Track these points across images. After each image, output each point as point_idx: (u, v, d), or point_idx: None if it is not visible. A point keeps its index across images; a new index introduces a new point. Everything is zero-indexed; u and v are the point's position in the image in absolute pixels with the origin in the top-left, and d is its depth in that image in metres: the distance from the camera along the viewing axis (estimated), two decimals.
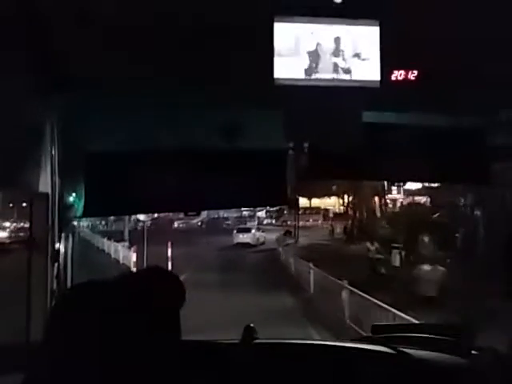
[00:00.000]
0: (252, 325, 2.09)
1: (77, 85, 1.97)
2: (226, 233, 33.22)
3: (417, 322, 6.26)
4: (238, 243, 27.32)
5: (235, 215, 43.27)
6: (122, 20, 1.86)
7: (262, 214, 42.79)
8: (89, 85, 1.98)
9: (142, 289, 1.12)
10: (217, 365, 1.84)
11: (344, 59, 2.09)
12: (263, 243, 27.59)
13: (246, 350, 1.98)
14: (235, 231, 29.47)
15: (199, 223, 43.46)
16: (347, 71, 2.10)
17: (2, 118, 1.69)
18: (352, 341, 2.18)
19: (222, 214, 42.44)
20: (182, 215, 43.67)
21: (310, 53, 2.07)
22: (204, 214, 40.10)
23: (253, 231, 29.12)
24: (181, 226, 42.58)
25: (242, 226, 31.19)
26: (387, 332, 2.23)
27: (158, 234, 26.88)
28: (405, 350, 2.01)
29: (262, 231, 30.33)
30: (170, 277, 1.40)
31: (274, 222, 41.65)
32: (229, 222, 42.94)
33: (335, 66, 2.10)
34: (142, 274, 1.34)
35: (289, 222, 37.33)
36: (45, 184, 2.01)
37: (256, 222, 41.18)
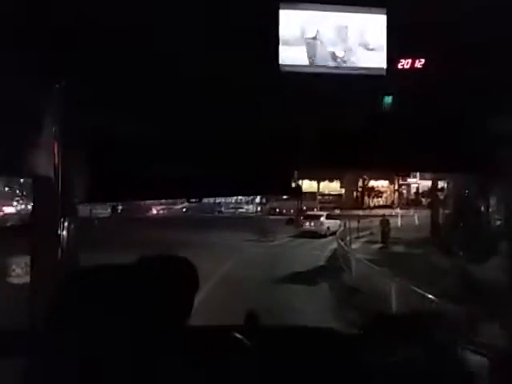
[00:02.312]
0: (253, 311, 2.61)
1: (80, 68, 2.41)
2: (221, 223, 30.87)
3: None
4: (305, 232, 28.04)
5: (228, 200, 43.30)
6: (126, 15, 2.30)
7: (258, 199, 43.19)
8: (93, 69, 2.42)
9: (157, 274, 1.44)
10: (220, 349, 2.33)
11: (350, 47, 2.53)
12: (334, 233, 26.71)
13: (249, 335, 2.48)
14: (301, 218, 30.24)
15: (184, 209, 43.39)
16: (353, 59, 2.55)
17: (5, 101, 2.15)
18: (355, 328, 2.70)
19: (213, 198, 42.15)
20: (162, 200, 43.42)
21: (315, 40, 2.52)
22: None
23: (322, 219, 29.70)
24: (161, 212, 42.31)
25: (309, 213, 31.46)
26: (391, 322, 2.76)
27: (123, 229, 23.82)
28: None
29: (333, 218, 30.60)
30: (185, 264, 1.83)
31: (259, 209, 41.97)
32: (221, 209, 42.71)
33: (341, 53, 2.54)
34: (158, 260, 1.75)
35: (277, 210, 37.61)
36: (48, 168, 2.47)
37: (254, 208, 41.75)
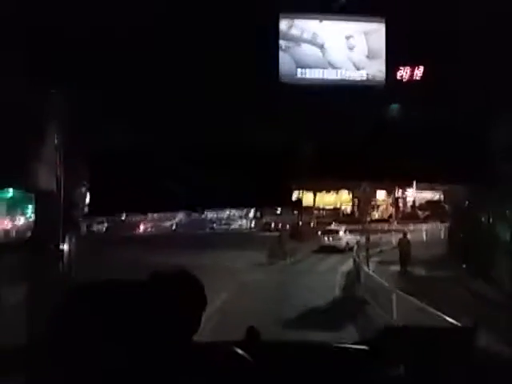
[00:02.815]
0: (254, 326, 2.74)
1: (83, 84, 2.55)
2: (215, 241, 28.26)
3: None
4: (323, 246, 28.56)
5: (220, 215, 42.89)
6: (123, 18, 2.46)
7: (252, 214, 43.14)
8: (93, 82, 2.57)
9: (164, 291, 1.47)
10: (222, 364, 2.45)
11: (349, 57, 2.70)
12: (352, 249, 27.45)
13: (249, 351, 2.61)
14: (319, 233, 30.99)
15: (173, 226, 42.89)
16: (353, 68, 2.71)
17: (7, 116, 2.28)
18: (353, 344, 2.86)
19: (205, 213, 41.66)
20: (150, 216, 42.39)
21: (315, 50, 2.68)
22: (181, 214, 39.29)
23: (341, 233, 30.48)
24: (149, 230, 41.83)
25: (328, 228, 32.43)
26: (392, 336, 2.91)
27: (102, 249, 22.66)
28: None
29: (351, 233, 31.27)
30: (194, 281, 1.91)
31: (253, 224, 42.42)
32: (213, 225, 42.35)
33: (340, 63, 2.70)
34: (166, 277, 1.82)
35: (272, 225, 38.03)
36: (50, 183, 2.60)
37: (248, 224, 42.05)
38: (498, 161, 2.98)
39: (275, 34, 2.63)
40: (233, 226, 42.12)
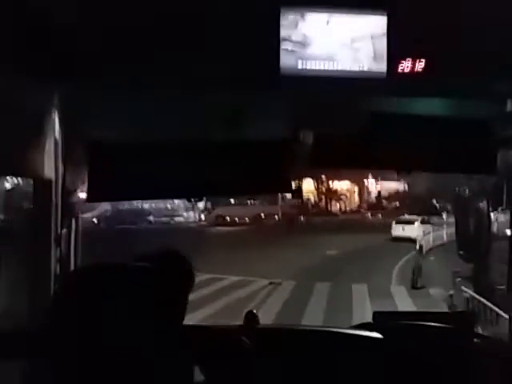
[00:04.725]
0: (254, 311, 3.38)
1: (79, 70, 2.98)
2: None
3: None
4: (397, 237, 30.68)
5: (161, 205, 41.54)
6: (124, 8, 2.90)
7: (202, 204, 42.77)
8: (91, 70, 3.00)
9: (153, 271, 1.74)
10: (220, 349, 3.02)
11: (351, 49, 3.23)
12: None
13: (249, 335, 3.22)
14: (394, 222, 33.50)
15: (94, 219, 41.93)
16: (354, 61, 3.26)
17: (5, 105, 2.64)
18: (352, 327, 3.53)
19: (140, 203, 40.11)
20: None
21: (315, 42, 3.20)
22: (106, 203, 37.83)
23: (416, 224, 32.52)
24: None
25: (403, 218, 34.91)
26: (389, 319, 3.59)
27: None
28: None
29: (429, 223, 33.28)
30: (182, 260, 2.30)
31: (202, 217, 43.00)
32: (150, 218, 42.09)
33: (342, 55, 3.24)
34: (154, 257, 2.14)
35: (227, 218, 38.32)
36: (49, 169, 3.10)
37: (196, 216, 41.97)
38: (499, 151, 3.66)
39: (276, 27, 3.12)
40: (177, 219, 41.71)
